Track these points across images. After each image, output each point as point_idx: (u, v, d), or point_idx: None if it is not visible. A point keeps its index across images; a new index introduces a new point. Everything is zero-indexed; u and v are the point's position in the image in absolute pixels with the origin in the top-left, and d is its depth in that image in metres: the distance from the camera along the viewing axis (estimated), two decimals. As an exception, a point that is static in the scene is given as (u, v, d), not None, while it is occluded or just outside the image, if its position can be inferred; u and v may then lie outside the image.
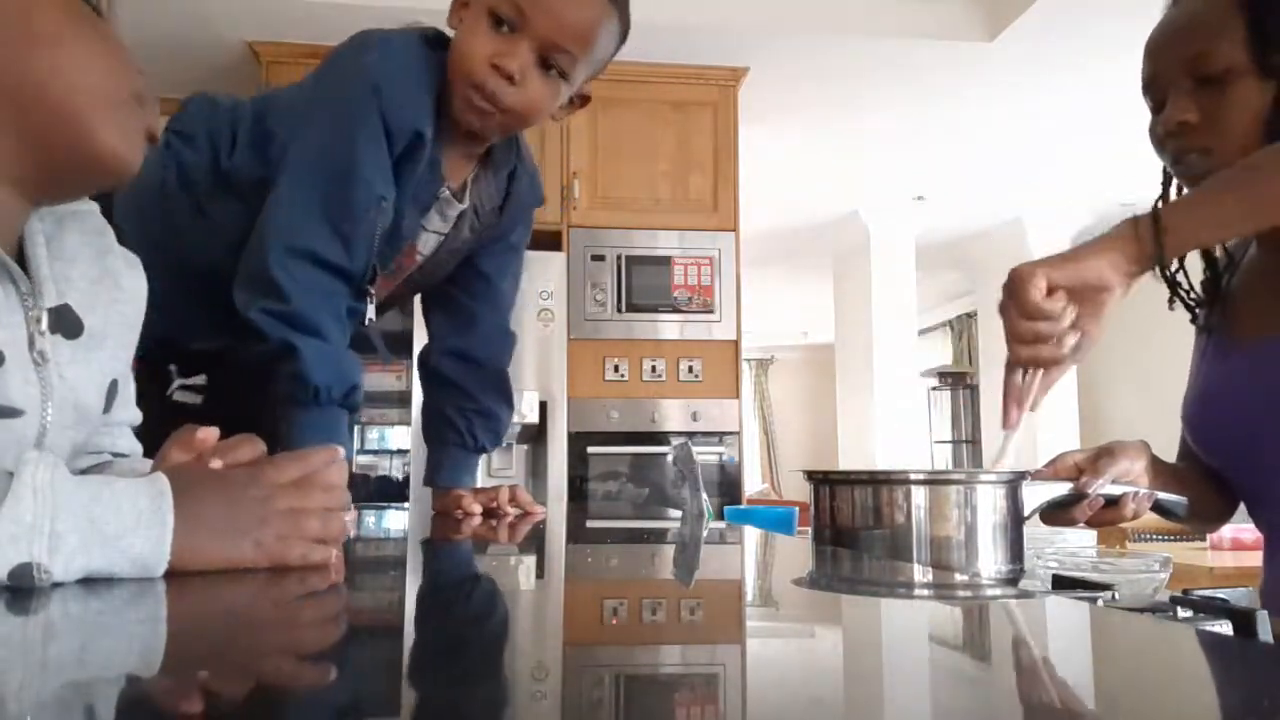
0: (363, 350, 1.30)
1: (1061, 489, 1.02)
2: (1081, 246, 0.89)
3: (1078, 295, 0.89)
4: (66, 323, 0.79)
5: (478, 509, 1.45)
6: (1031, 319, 0.89)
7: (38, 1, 0.73)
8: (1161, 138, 1.02)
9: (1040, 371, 0.94)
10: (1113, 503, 1.03)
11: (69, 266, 0.81)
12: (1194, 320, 1.13)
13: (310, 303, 1.16)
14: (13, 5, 0.72)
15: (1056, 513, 1.04)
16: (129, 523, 0.60)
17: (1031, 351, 0.92)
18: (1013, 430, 0.97)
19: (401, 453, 3.32)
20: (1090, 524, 1.05)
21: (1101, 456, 1.05)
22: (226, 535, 0.65)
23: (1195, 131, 0.98)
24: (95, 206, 0.88)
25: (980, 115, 4.24)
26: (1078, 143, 4.38)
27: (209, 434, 0.73)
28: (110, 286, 0.85)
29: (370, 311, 1.31)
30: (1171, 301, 1.11)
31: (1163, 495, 1.05)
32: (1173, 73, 1.00)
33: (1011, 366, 0.95)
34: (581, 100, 1.30)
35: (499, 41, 1.17)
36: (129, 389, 0.91)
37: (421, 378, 1.62)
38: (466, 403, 1.56)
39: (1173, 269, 1.09)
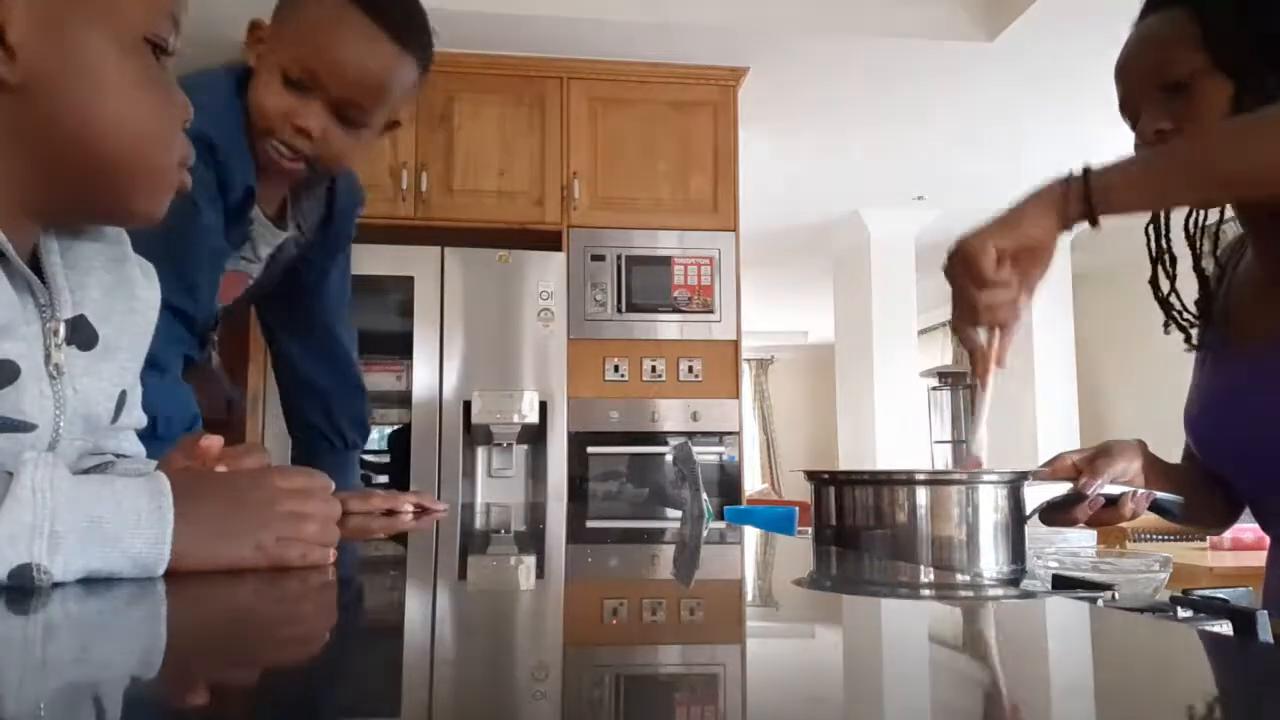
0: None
1: (1061, 489, 1.02)
2: (1015, 208, 0.92)
3: (1021, 256, 0.92)
4: (82, 334, 0.78)
5: (375, 505, 1.37)
6: (987, 289, 0.92)
7: (112, 52, 0.72)
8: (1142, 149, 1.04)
9: (998, 330, 0.97)
10: (1111, 502, 1.04)
11: (84, 275, 0.80)
12: (1187, 340, 1.14)
13: (160, 348, 1.15)
14: (89, 53, 0.71)
15: (1056, 513, 1.05)
16: (129, 522, 0.60)
17: (991, 315, 0.95)
18: (987, 391, 1.00)
19: (402, 452, 3.32)
20: (1089, 524, 1.05)
21: (1099, 456, 1.05)
22: (227, 536, 0.65)
23: (1171, 137, 1.00)
24: None
25: (980, 115, 4.24)
26: (1078, 142, 4.38)
27: (213, 441, 0.73)
28: (125, 296, 0.84)
29: (214, 359, 1.35)
30: (1167, 325, 1.13)
31: (1160, 495, 1.05)
32: (1141, 88, 1.03)
33: (967, 328, 0.97)
34: (391, 125, 1.33)
35: (293, 100, 1.20)
36: (136, 394, 0.91)
37: (281, 382, 1.65)
38: (333, 406, 1.60)
39: (1165, 290, 1.11)
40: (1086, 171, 0.89)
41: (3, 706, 0.33)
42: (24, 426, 0.72)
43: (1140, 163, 0.94)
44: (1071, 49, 3.50)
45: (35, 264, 0.76)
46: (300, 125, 1.20)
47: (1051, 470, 1.06)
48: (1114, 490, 1.03)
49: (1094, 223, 0.89)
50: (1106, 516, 1.05)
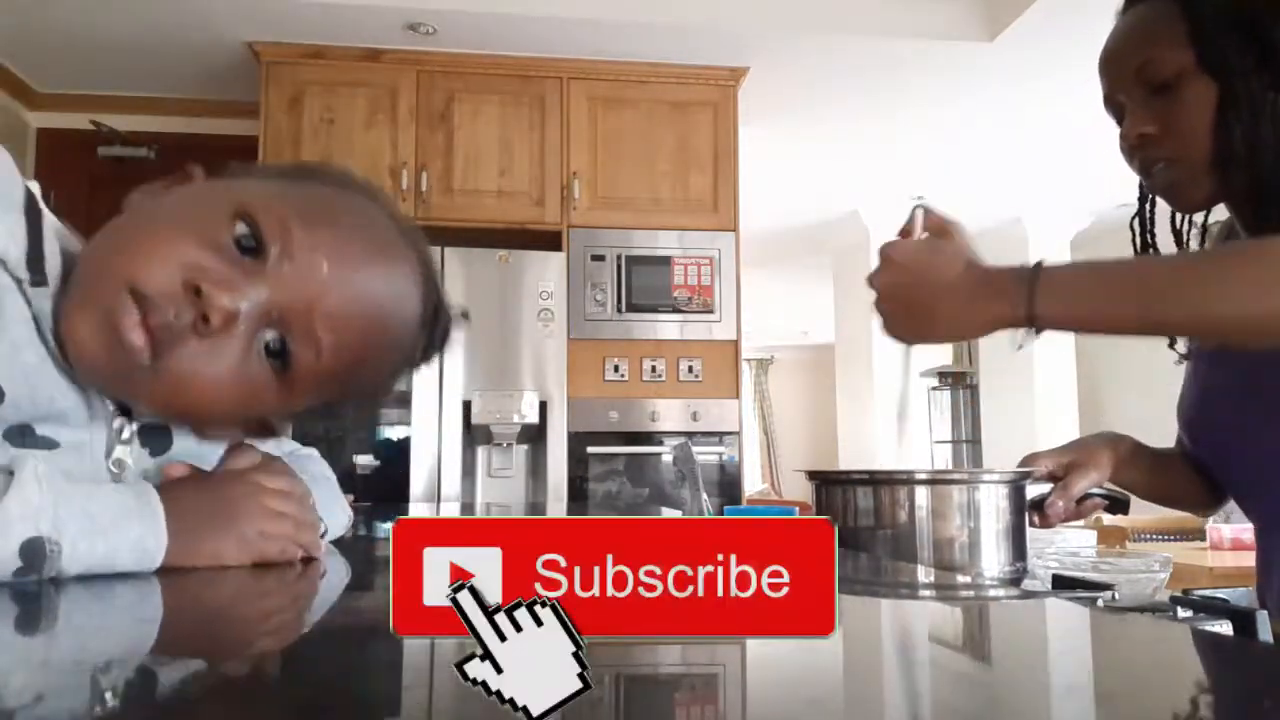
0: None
1: (1041, 489, 1.08)
2: (946, 301, 0.86)
3: None
4: (158, 440, 0.75)
5: None
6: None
7: (191, 198, 0.71)
8: (1128, 151, 1.02)
9: None
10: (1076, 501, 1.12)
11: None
12: (1172, 346, 1.12)
13: None
14: (178, 191, 0.72)
15: (1032, 513, 1.10)
16: (123, 516, 0.62)
17: None
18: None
19: (402, 452, 3.32)
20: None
21: (1073, 470, 1.10)
22: (212, 529, 0.66)
23: (1156, 142, 0.97)
24: None
25: (980, 115, 4.23)
26: (1078, 143, 4.38)
27: (174, 469, 0.71)
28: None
29: None
30: None
31: (1114, 493, 1.14)
32: (1126, 84, 0.99)
33: None
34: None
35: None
36: None
37: None
38: None
39: None
40: (1034, 274, 0.83)
41: (5, 704, 0.33)
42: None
43: (1089, 281, 0.86)
44: (1071, 49, 3.49)
45: None
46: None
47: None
48: (1093, 491, 1.12)
49: (1035, 331, 0.84)
50: (1070, 515, 1.13)
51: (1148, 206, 1.10)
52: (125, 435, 0.72)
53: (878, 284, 0.91)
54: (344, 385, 0.72)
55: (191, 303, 0.63)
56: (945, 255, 0.87)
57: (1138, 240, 1.11)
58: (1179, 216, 1.08)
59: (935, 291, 0.86)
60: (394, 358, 0.75)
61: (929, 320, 0.88)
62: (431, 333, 0.77)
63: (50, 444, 0.66)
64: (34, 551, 0.56)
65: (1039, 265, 0.84)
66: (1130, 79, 0.99)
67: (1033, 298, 0.82)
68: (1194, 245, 1.10)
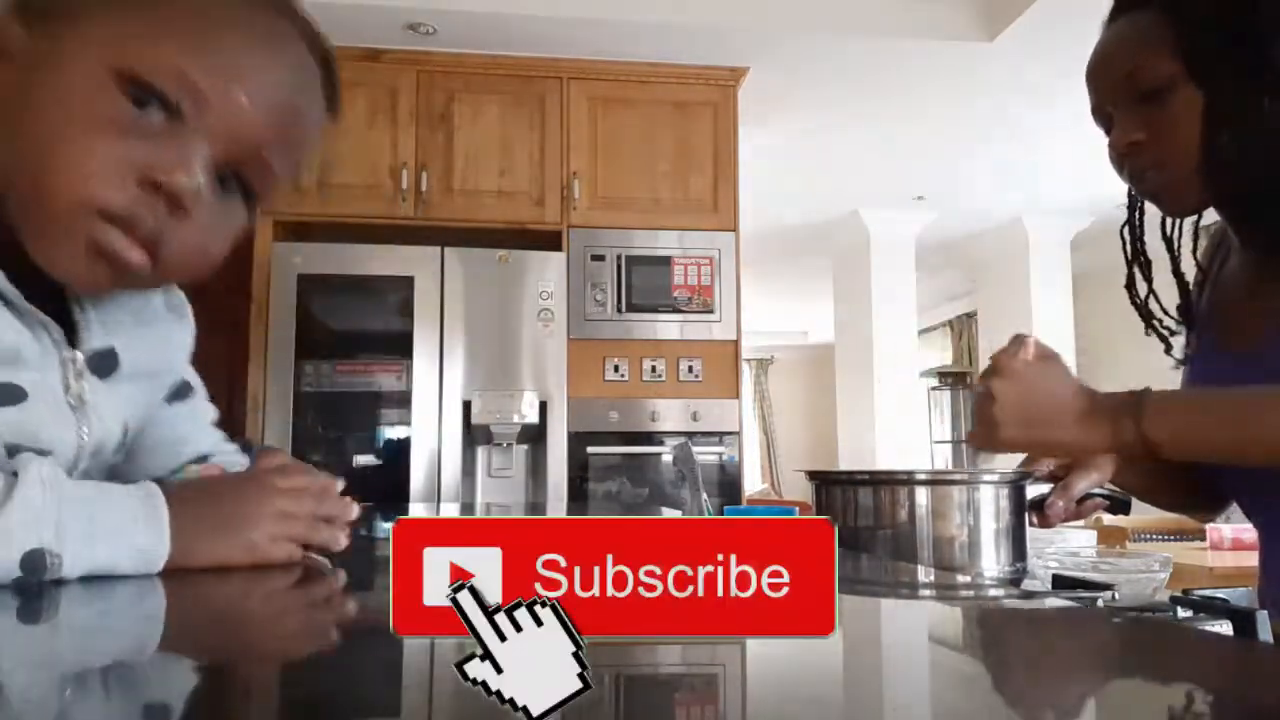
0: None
1: (1041, 489, 1.08)
2: (1058, 418, 0.92)
3: None
4: (105, 361, 0.76)
5: None
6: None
7: (66, 80, 0.65)
8: (1117, 160, 1.02)
9: None
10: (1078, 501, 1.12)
11: (115, 305, 0.77)
12: (1167, 351, 1.13)
13: None
14: (45, 75, 0.65)
15: (1031, 513, 1.11)
16: (127, 519, 0.61)
17: None
18: None
19: (402, 452, 3.32)
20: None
21: (1075, 468, 1.10)
22: (220, 532, 0.66)
23: (1146, 148, 0.97)
24: None
25: (980, 115, 4.24)
26: (1078, 143, 4.38)
27: (208, 469, 0.74)
28: (150, 320, 0.82)
29: None
30: (1148, 331, 1.13)
31: (1114, 493, 1.14)
32: (1114, 93, 0.99)
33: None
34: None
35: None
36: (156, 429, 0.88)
37: None
38: None
39: (1144, 295, 1.10)
40: (1142, 399, 0.90)
41: (9, 704, 0.33)
42: (38, 454, 0.71)
43: (1194, 414, 0.93)
44: (1071, 49, 3.48)
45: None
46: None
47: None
48: (1093, 490, 1.12)
49: (1152, 455, 0.90)
50: (1070, 515, 1.13)
51: (1137, 214, 1.10)
52: (78, 367, 0.73)
53: (993, 388, 0.93)
54: (293, 168, 0.76)
55: (156, 195, 0.65)
56: (1058, 375, 0.94)
57: (1129, 248, 1.11)
58: (1169, 222, 1.09)
59: (1050, 405, 0.92)
60: (320, 120, 0.77)
61: (1044, 429, 0.92)
62: (331, 79, 0.78)
63: (18, 394, 0.67)
64: (34, 562, 0.56)
65: (1145, 391, 0.91)
66: (1118, 87, 0.99)
67: (1140, 422, 0.89)
68: (1186, 248, 1.10)
